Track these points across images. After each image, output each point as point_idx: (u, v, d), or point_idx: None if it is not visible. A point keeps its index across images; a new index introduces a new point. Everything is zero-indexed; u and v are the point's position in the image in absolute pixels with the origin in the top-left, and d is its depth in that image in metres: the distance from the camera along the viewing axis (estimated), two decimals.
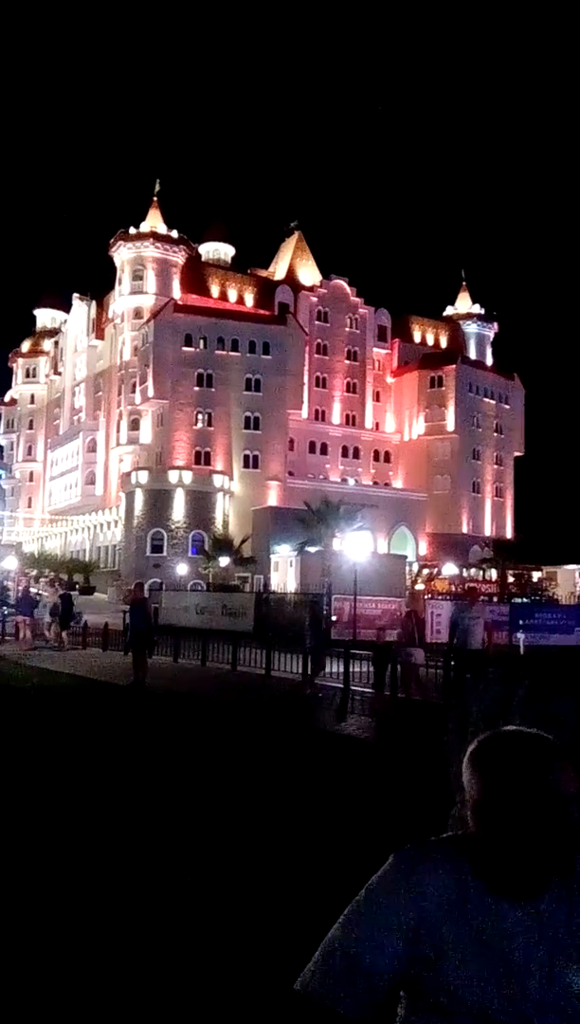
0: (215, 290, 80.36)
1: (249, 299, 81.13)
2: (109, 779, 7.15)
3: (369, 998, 1.31)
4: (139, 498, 67.74)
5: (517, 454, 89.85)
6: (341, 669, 15.32)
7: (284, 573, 56.59)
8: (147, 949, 3.57)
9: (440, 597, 46.20)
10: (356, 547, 36.79)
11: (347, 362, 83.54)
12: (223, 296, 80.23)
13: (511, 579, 65.16)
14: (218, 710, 12.39)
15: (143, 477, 68.15)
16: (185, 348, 72.11)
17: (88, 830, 5.46)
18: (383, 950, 1.31)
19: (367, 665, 16.14)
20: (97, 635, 24.35)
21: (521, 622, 26.91)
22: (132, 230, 78.32)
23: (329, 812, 5.93)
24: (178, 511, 67.17)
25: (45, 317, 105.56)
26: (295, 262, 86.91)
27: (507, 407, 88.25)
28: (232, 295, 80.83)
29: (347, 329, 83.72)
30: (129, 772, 7.48)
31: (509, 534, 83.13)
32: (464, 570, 67.95)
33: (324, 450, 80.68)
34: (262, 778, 7.35)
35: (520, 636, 25.25)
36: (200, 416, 72.36)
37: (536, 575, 68.40)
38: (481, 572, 69.29)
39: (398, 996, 1.38)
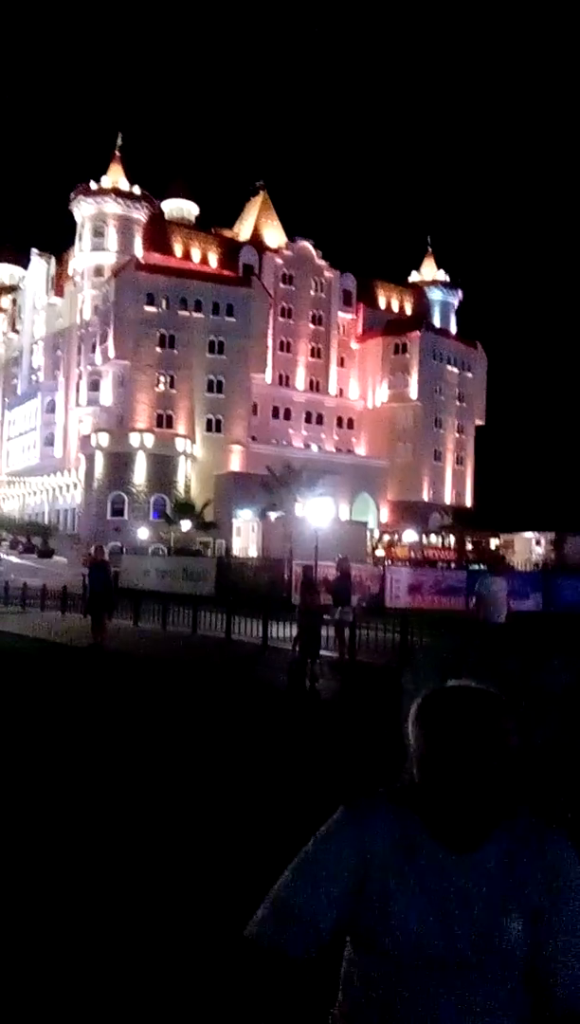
0: (178, 249, 78.88)
1: (213, 259, 79.85)
2: (65, 740, 7.13)
3: (315, 941, 1.35)
4: (99, 461, 66.95)
5: (478, 423, 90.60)
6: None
7: (246, 538, 56.66)
8: (108, 902, 3.58)
9: (400, 564, 46.71)
10: (318, 513, 36.90)
11: (312, 326, 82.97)
12: (186, 256, 78.82)
13: (469, 546, 66.10)
14: (177, 672, 12.41)
15: (104, 439, 67.29)
16: (147, 308, 70.85)
17: (48, 790, 5.45)
18: (329, 896, 1.36)
19: (327, 630, 16.28)
20: (56, 598, 24.17)
21: (477, 588, 27.18)
22: (93, 185, 76.22)
23: (283, 768, 6.00)
24: (139, 474, 66.59)
25: (3, 273, 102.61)
26: (260, 223, 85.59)
27: (470, 375, 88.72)
28: (196, 255, 79.46)
29: (312, 293, 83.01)
30: (85, 733, 7.47)
31: (468, 502, 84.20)
32: (424, 537, 68.69)
33: (287, 415, 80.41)
34: (218, 736, 7.39)
35: (474, 601, 25.56)
36: (162, 378, 71.40)
37: (494, 542, 69.50)
38: (440, 539, 70.15)
39: (344, 939, 1.42)
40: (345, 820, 1.41)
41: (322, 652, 12.90)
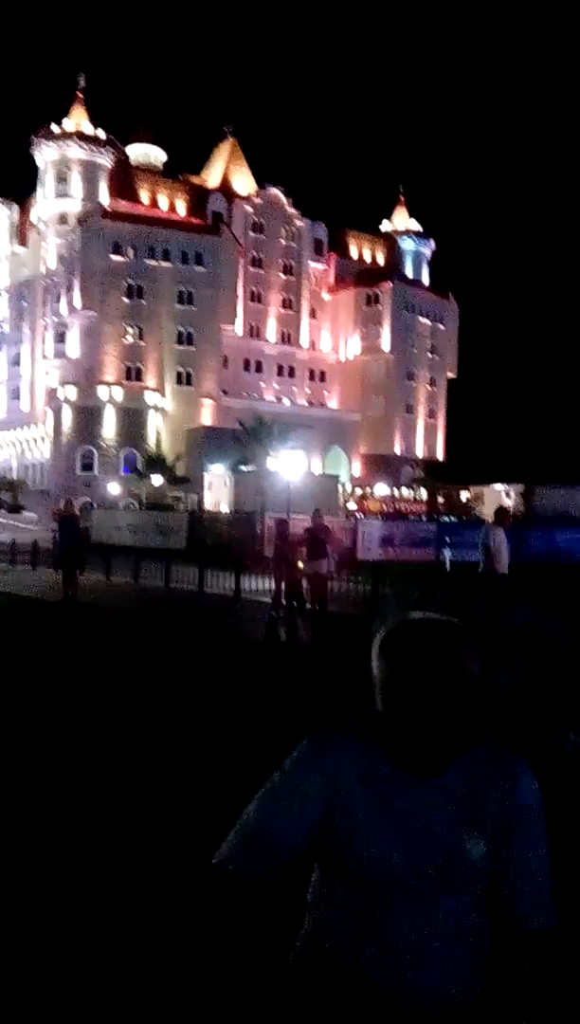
0: (145, 196, 76.88)
1: (181, 207, 77.97)
2: (38, 693, 7.14)
3: (282, 866, 1.40)
4: (67, 414, 65.99)
5: (450, 375, 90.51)
6: (273, 586, 15.54)
7: (218, 492, 56.50)
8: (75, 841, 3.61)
9: (371, 517, 47.00)
10: (290, 467, 36.88)
11: (283, 276, 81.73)
12: (153, 203, 76.86)
13: (440, 499, 66.63)
14: (150, 625, 12.43)
15: (71, 393, 66.24)
16: (114, 257, 69.22)
17: (20, 744, 5.46)
18: (295, 822, 1.40)
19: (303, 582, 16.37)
20: (26, 553, 24.01)
21: (448, 539, 27.59)
22: (55, 128, 73.67)
23: (251, 708, 6.06)
24: (109, 428, 65.81)
25: None
26: (229, 169, 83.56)
27: (442, 328, 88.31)
28: (163, 202, 77.52)
29: (283, 242, 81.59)
30: (58, 686, 7.48)
31: (440, 455, 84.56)
32: (395, 490, 69.08)
33: (259, 368, 79.63)
34: (190, 681, 7.45)
35: (447, 552, 25.94)
36: (130, 329, 70.12)
37: (464, 495, 70.08)
38: (412, 492, 70.59)
39: (311, 864, 1.46)
40: (311, 748, 1.45)
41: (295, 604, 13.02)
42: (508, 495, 67.23)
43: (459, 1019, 1.34)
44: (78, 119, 75.10)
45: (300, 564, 13.04)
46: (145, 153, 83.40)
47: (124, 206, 73.33)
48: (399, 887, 1.37)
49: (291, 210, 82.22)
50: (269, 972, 1.36)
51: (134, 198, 75.79)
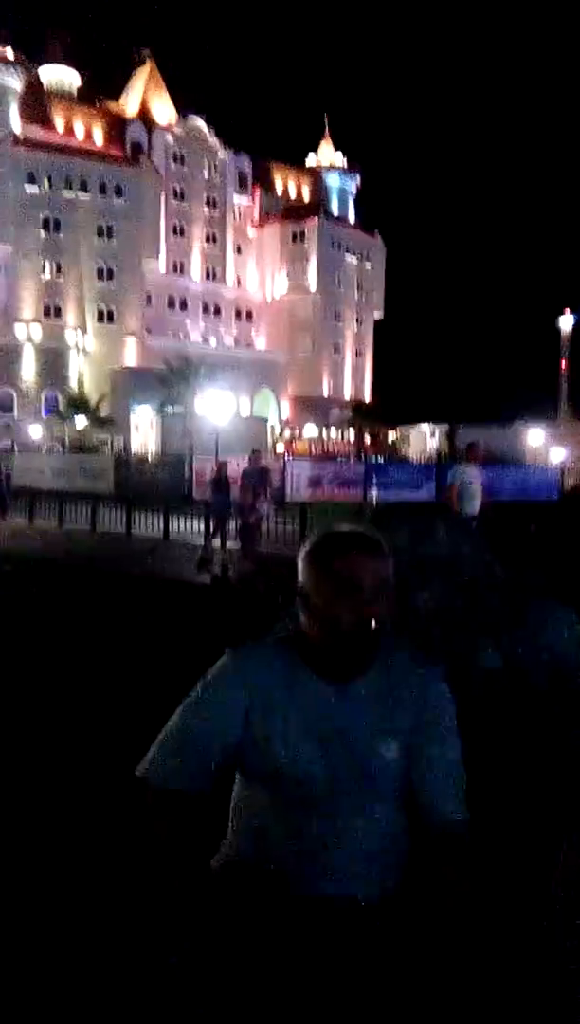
0: (60, 123, 72.93)
1: (98, 136, 74.36)
2: None
3: (206, 775, 1.45)
4: None
5: (377, 314, 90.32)
6: (202, 527, 15.53)
7: (145, 435, 55.64)
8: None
9: (300, 458, 47.09)
10: (218, 409, 36.52)
11: (206, 210, 79.37)
12: (69, 131, 73.02)
13: (368, 440, 67.21)
14: (74, 568, 12.30)
15: None
16: (28, 188, 65.89)
17: None
18: (216, 732, 1.45)
19: (230, 523, 16.38)
20: None
21: (375, 480, 27.96)
22: None
23: (177, 640, 6.10)
24: (28, 369, 63.65)
25: None
26: (148, 96, 79.86)
27: (368, 266, 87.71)
28: (79, 130, 73.73)
29: (206, 174, 79.01)
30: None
31: (367, 396, 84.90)
32: (324, 431, 69.28)
33: (184, 306, 77.78)
34: (118, 621, 7.44)
35: (374, 492, 26.32)
36: (48, 265, 67.26)
37: (391, 435, 70.84)
38: (340, 433, 70.94)
39: (233, 775, 1.52)
40: (231, 661, 1.49)
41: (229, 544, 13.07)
42: (433, 435, 68.33)
43: (379, 915, 1.42)
44: None
45: (261, 510, 12.97)
46: (58, 76, 78.58)
47: (37, 133, 69.43)
48: (318, 792, 1.42)
49: (213, 140, 79.47)
50: (194, 878, 1.40)
51: (48, 124, 71.77)
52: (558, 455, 47.19)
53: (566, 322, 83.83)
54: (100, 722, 4.32)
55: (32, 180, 66.08)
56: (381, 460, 50.39)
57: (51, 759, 3.81)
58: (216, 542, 13.29)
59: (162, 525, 16.70)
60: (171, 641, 6.73)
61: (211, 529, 13.55)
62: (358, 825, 1.43)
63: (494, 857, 1.78)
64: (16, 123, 68.83)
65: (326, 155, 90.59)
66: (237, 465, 33.12)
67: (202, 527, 15.60)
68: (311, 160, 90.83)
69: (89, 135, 73.89)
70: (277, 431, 63.97)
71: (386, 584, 1.42)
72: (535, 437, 54.68)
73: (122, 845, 2.41)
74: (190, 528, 16.66)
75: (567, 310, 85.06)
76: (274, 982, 1.30)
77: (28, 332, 63.93)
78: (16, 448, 46.29)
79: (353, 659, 1.43)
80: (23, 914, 2.42)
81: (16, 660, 6.05)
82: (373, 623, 1.40)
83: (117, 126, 75.07)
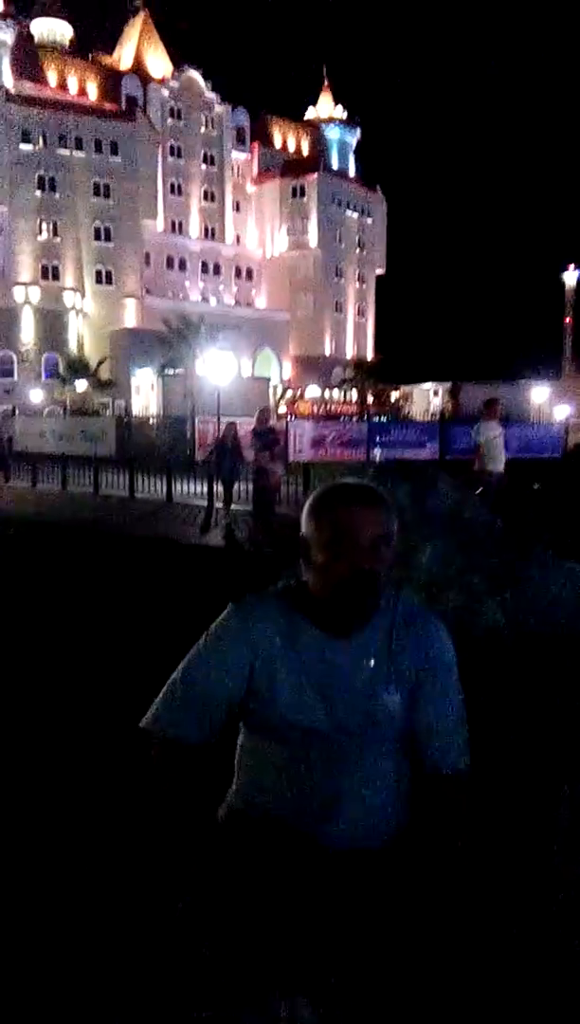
0: (53, 78, 71.16)
1: (92, 91, 72.63)
2: None
3: (209, 727, 1.47)
4: None
5: (379, 272, 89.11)
6: (205, 489, 15.52)
7: (145, 397, 55.35)
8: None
9: (302, 418, 46.87)
10: (219, 369, 36.20)
11: (204, 167, 77.86)
12: (62, 86, 71.28)
13: (370, 399, 66.79)
14: (78, 531, 12.33)
15: None
16: (23, 146, 64.57)
17: None
18: (222, 684, 1.46)
19: (234, 484, 16.36)
20: None
21: (378, 439, 27.88)
22: None
23: (183, 599, 6.14)
24: (27, 332, 63.09)
25: None
26: (142, 48, 77.80)
27: (369, 221, 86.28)
28: (72, 85, 71.98)
29: (203, 129, 77.33)
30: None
31: (370, 355, 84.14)
32: (326, 392, 68.85)
33: (183, 266, 76.74)
34: (123, 582, 7.48)
35: (377, 452, 26.26)
36: (44, 225, 66.19)
37: (394, 395, 70.37)
38: (342, 393, 70.48)
39: (237, 725, 1.54)
40: (234, 615, 1.51)
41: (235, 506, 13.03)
42: (436, 393, 67.90)
43: (381, 860, 1.45)
44: None
45: (278, 471, 12.70)
46: (50, 29, 76.56)
47: (30, 88, 67.75)
48: (322, 742, 1.44)
49: (210, 95, 77.61)
50: (199, 827, 1.43)
51: (41, 80, 70.03)
52: (562, 412, 46.88)
53: (571, 277, 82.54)
54: (105, 678, 4.37)
55: (26, 138, 64.74)
56: (384, 420, 50.18)
57: (57, 715, 3.85)
58: (219, 506, 13.17)
59: (165, 487, 16.69)
60: (176, 600, 6.77)
61: (216, 492, 13.42)
62: (361, 774, 1.46)
63: (496, 804, 1.81)
64: (8, 79, 67.19)
65: (325, 108, 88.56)
66: (239, 427, 33.08)
67: (205, 489, 15.61)
68: (310, 114, 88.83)
69: (83, 90, 72.19)
70: (279, 392, 63.53)
71: (388, 538, 1.42)
72: (539, 394, 54.29)
73: (129, 797, 2.45)
74: (193, 490, 16.67)
75: (572, 265, 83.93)
76: (279, 926, 1.33)
77: (27, 295, 63.25)
78: (17, 412, 46.16)
79: (354, 612, 1.44)
80: (29, 862, 2.47)
81: (22, 619, 6.10)
82: (375, 576, 1.40)
83: (111, 80, 73.29)
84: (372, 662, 1.46)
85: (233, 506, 12.85)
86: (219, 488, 13.40)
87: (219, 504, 13.21)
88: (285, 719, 1.45)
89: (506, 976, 1.47)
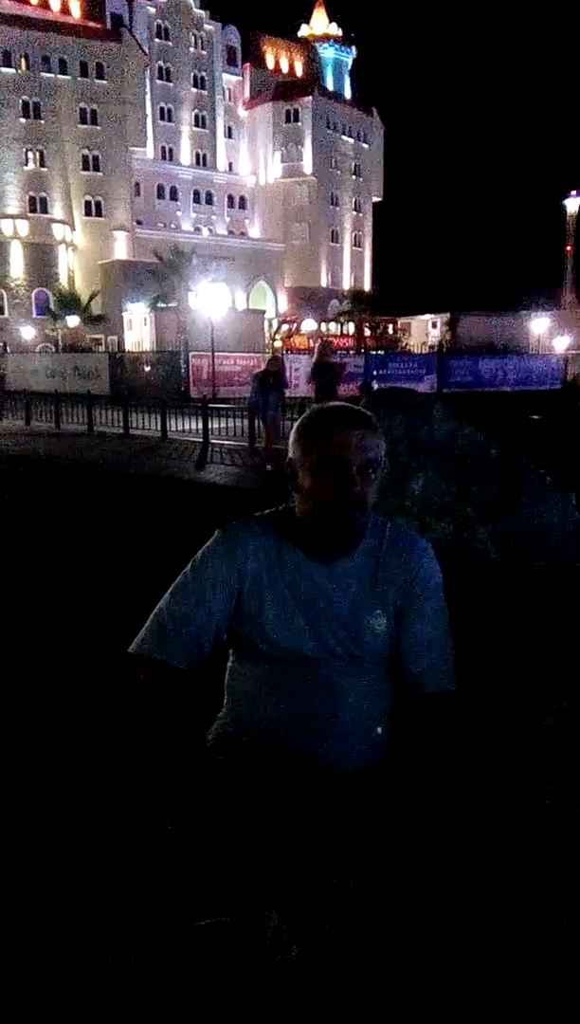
0: None
1: (75, 8, 69.29)
2: None
3: (198, 651, 1.48)
4: None
5: (376, 199, 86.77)
6: (199, 426, 15.43)
7: (138, 332, 54.44)
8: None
9: (298, 352, 46.27)
10: (212, 302, 35.58)
11: (194, 90, 74.94)
12: (44, 3, 67.93)
13: (368, 332, 65.83)
14: (75, 468, 12.29)
15: None
16: (5, 69, 61.96)
17: None
18: (209, 609, 1.47)
19: (228, 421, 16.28)
20: None
21: (375, 372, 27.61)
22: None
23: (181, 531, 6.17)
24: (16, 267, 61.67)
25: None
26: None
27: (366, 146, 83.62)
28: (55, 2, 68.64)
29: (192, 49, 74.16)
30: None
31: (367, 286, 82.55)
32: (323, 325, 67.77)
33: (174, 195, 74.61)
34: (121, 517, 7.51)
35: (374, 386, 26.02)
36: (30, 155, 63.99)
37: (391, 327, 69.36)
38: (339, 327, 69.41)
39: (225, 649, 1.55)
40: (221, 541, 1.50)
41: (217, 440, 12.93)
42: (434, 325, 66.91)
43: (369, 780, 1.48)
44: None
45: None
46: None
47: (10, 7, 64.67)
48: (309, 665, 1.46)
49: (199, 12, 74.15)
50: (189, 749, 1.45)
51: None
52: (562, 343, 46.32)
53: (573, 204, 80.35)
54: (98, 604, 4.41)
55: (7, 61, 62.05)
56: (381, 353, 49.56)
57: (52, 641, 3.90)
58: (261, 445, 12.72)
59: (160, 424, 16.59)
60: (173, 534, 6.79)
61: (257, 429, 12.85)
62: (348, 696, 1.47)
63: (483, 726, 1.84)
64: None
65: (319, 25, 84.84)
66: (234, 363, 32.63)
67: (198, 426, 15.51)
68: (303, 31, 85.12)
69: (65, 8, 68.86)
70: (274, 325, 62.52)
71: (375, 462, 1.40)
72: (539, 325, 53.53)
73: (120, 719, 2.49)
74: (188, 427, 16.56)
75: (574, 192, 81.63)
76: (267, 843, 1.36)
77: (15, 227, 61.60)
78: (8, 349, 45.51)
79: (340, 536, 1.43)
80: (23, 781, 2.52)
81: (25, 554, 6.13)
82: (361, 500, 1.39)
83: None
84: (357, 586, 1.46)
85: (276, 446, 12.36)
86: (260, 426, 12.93)
87: (261, 443, 12.77)
88: (272, 642, 1.46)
89: (496, 895, 1.51)
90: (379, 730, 1.50)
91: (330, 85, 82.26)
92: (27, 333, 56.19)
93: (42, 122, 63.69)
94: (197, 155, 75.98)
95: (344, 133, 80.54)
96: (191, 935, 1.42)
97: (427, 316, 68.70)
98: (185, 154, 75.14)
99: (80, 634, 4.06)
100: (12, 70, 62.29)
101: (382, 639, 1.47)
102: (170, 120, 73.81)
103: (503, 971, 1.36)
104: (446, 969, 1.34)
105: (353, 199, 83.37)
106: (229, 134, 78.36)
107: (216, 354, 29.57)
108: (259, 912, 1.30)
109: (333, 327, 68.76)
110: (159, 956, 1.60)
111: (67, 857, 2.07)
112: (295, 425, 1.46)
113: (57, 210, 64.88)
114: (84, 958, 1.69)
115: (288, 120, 77.07)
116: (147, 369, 31.07)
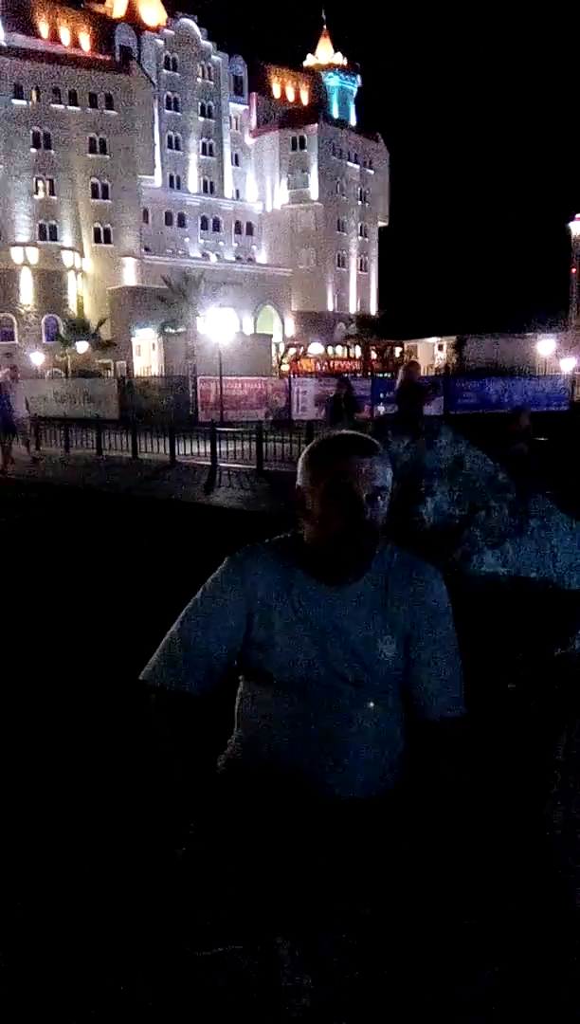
0: (44, 29, 69.26)
1: (85, 42, 70.70)
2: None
3: (209, 678, 1.49)
4: None
5: (381, 224, 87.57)
6: (208, 449, 15.50)
7: (147, 357, 54.86)
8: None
9: (305, 376, 46.53)
10: (220, 327, 35.92)
11: (202, 119, 76.11)
12: (55, 37, 69.34)
13: (374, 355, 66.16)
14: (85, 493, 12.35)
15: None
16: (16, 101, 63.08)
17: None
18: (220, 636, 1.48)
19: (235, 444, 16.36)
20: None
21: (381, 395, 27.70)
22: None
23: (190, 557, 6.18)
24: (26, 294, 62.39)
25: None
26: None
27: (371, 172, 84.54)
28: (65, 36, 70.06)
29: (199, 80, 75.42)
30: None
31: (373, 309, 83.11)
32: (330, 348, 68.17)
33: (182, 222, 75.51)
34: (130, 541, 7.53)
35: (381, 408, 26.14)
36: (41, 184, 64.98)
37: (398, 350, 69.70)
38: (346, 350, 69.78)
39: (236, 675, 1.56)
40: (231, 568, 1.51)
41: (225, 464, 13.01)
42: (440, 348, 67.22)
43: (380, 807, 1.48)
44: None
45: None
46: None
47: (21, 40, 65.97)
48: (319, 691, 1.46)
49: (206, 43, 75.51)
50: (199, 776, 1.46)
51: (32, 31, 68.11)
52: (568, 364, 46.42)
53: (577, 226, 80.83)
54: (108, 631, 4.42)
55: (19, 94, 63.23)
56: (388, 376, 49.76)
57: (62, 667, 3.90)
58: None
59: (168, 448, 16.67)
60: (181, 558, 6.80)
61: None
62: (358, 722, 1.47)
63: (494, 751, 1.83)
64: None
65: (325, 55, 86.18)
66: (242, 387, 32.81)
67: (206, 449, 15.58)
68: (309, 61, 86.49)
69: (76, 41, 70.29)
70: (281, 349, 62.92)
71: (383, 489, 1.42)
72: (545, 347, 53.72)
73: (130, 745, 2.49)
74: (196, 451, 16.63)
75: (578, 215, 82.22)
76: (278, 871, 1.35)
77: (25, 255, 62.41)
78: (19, 375, 45.93)
79: (350, 562, 1.44)
80: (32, 807, 2.52)
81: (35, 579, 6.15)
82: (371, 527, 1.40)
83: (104, 30, 71.30)
84: (367, 611, 1.47)
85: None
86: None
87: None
88: (283, 669, 1.47)
89: (504, 916, 1.50)
90: (389, 756, 1.50)
91: (335, 113, 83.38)
92: (36, 359, 56.70)
93: (52, 152, 64.73)
94: (205, 182, 76.98)
95: (350, 159, 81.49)
96: (200, 964, 1.42)
97: (433, 339, 69.05)
98: (193, 182, 76.15)
99: (90, 660, 4.06)
100: (24, 102, 63.43)
101: (391, 664, 1.48)
102: (178, 148, 74.89)
103: (515, 997, 1.35)
104: (459, 994, 1.33)
105: (359, 224, 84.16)
106: (236, 162, 79.43)
107: (224, 378, 29.77)
108: (270, 940, 1.30)
109: (339, 350, 69.12)
110: (167, 985, 1.59)
111: (74, 884, 2.07)
112: (303, 452, 1.47)
113: (66, 238, 65.74)
114: (91, 988, 1.68)
115: (294, 147, 78.07)
116: (156, 394, 31.28)
